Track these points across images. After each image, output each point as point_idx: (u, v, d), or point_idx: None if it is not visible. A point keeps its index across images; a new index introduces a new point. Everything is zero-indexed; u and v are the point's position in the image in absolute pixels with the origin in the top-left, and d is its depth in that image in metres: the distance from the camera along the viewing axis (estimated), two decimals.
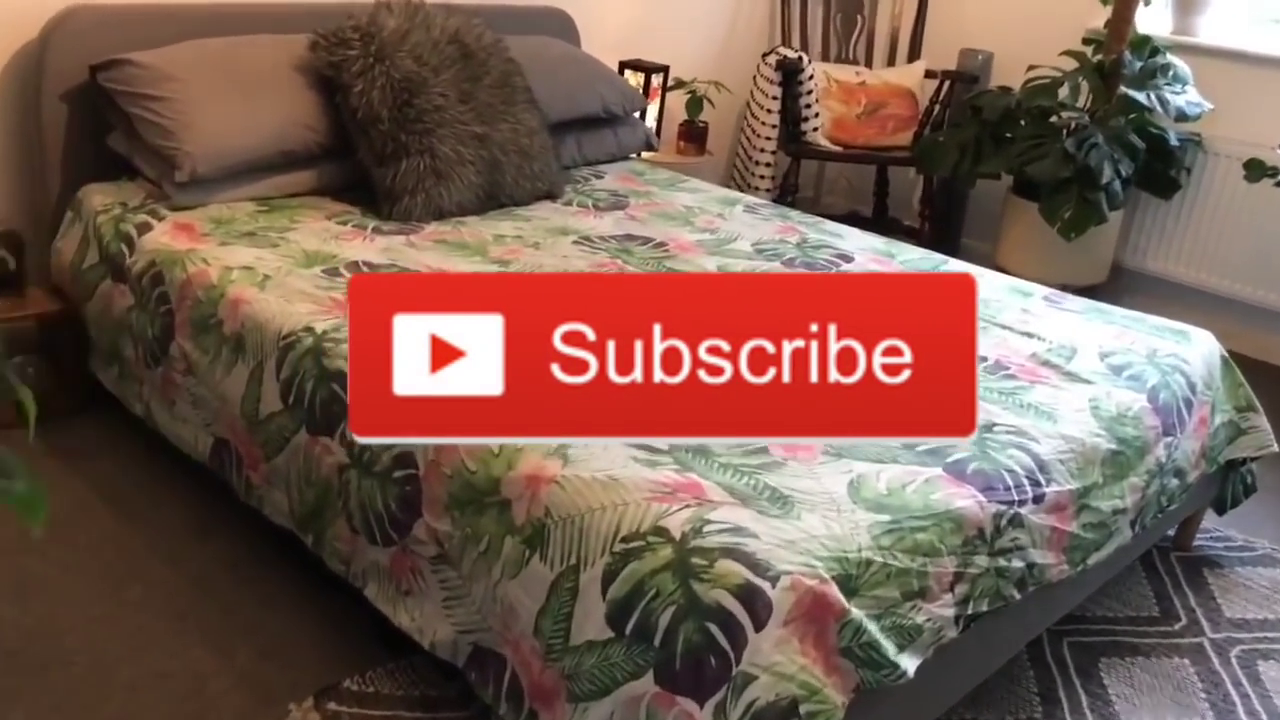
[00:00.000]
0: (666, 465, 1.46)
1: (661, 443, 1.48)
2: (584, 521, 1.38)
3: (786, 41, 3.82)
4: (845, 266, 2.38)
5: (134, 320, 2.12)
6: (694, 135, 3.64)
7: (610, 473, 1.42)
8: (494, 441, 1.47)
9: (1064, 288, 3.33)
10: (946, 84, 3.68)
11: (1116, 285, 3.56)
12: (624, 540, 1.34)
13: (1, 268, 2.27)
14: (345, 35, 2.38)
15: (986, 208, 3.74)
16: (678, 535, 1.32)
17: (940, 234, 3.82)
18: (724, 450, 1.50)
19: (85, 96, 2.36)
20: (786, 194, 3.72)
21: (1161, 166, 3.23)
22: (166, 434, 2.09)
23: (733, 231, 2.55)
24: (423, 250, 2.20)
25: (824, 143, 3.69)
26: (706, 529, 1.33)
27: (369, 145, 2.37)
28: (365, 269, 2.06)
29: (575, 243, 2.35)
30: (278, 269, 2.01)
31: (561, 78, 2.89)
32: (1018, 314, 2.16)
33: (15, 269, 2.29)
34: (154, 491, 2.13)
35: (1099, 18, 3.41)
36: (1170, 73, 3.21)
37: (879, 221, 3.98)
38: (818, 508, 1.40)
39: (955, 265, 2.53)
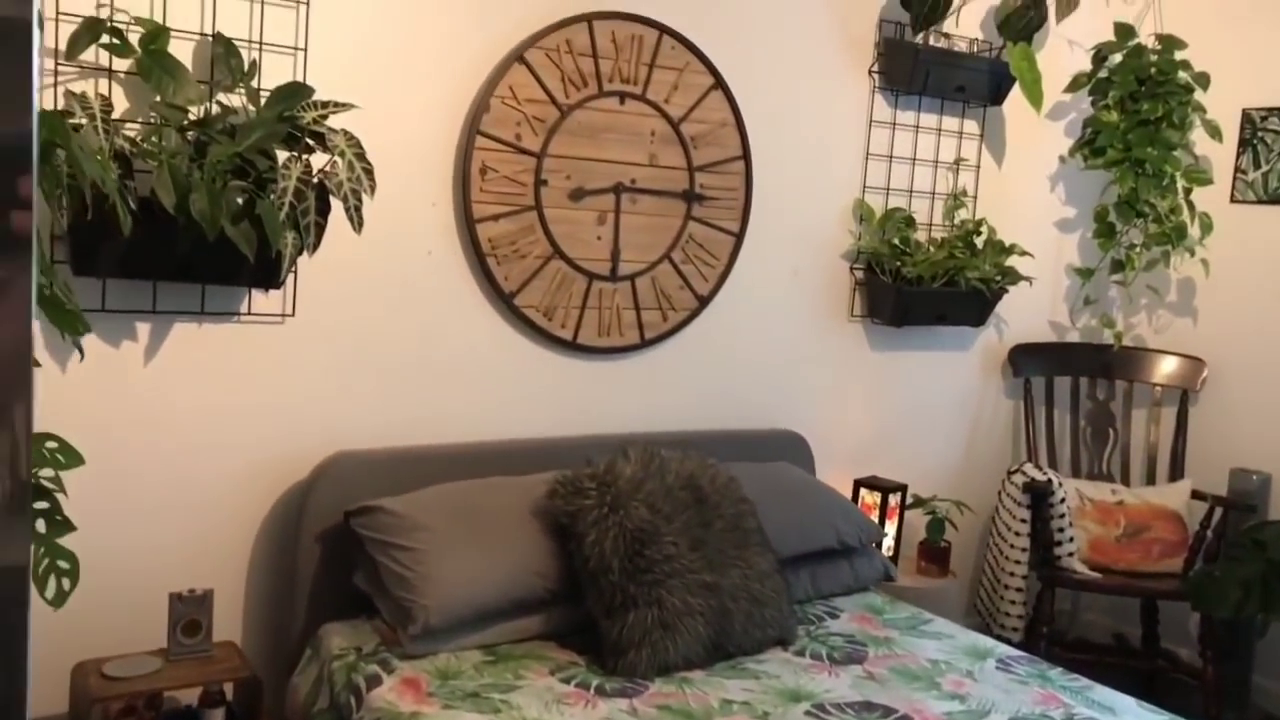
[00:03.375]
0: None
1: None
2: None
3: (1033, 456, 3.67)
4: None
5: None
6: (935, 556, 3.46)
7: None
8: None
9: None
10: (1219, 510, 3.37)
11: None
12: None
13: None
14: (582, 484, 2.43)
15: None
16: None
17: (1225, 674, 3.36)
18: None
19: (338, 537, 2.49)
20: (1040, 624, 3.41)
21: None
22: None
23: (985, 699, 2.30)
24: None
25: (1080, 567, 3.40)
26: None
27: (598, 595, 2.34)
28: None
29: (808, 713, 2.17)
30: None
31: (795, 510, 2.84)
32: None
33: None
34: None
35: None
36: None
37: (1150, 653, 3.56)
38: None
39: None
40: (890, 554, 3.37)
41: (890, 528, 3.38)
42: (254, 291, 2.45)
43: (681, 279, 3.07)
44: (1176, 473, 3.64)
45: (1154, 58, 3.51)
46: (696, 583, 2.38)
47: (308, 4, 2.40)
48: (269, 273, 2.25)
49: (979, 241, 3.47)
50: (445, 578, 2.29)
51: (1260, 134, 3.58)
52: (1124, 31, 3.55)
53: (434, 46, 2.63)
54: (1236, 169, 3.65)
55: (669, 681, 2.28)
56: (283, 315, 2.50)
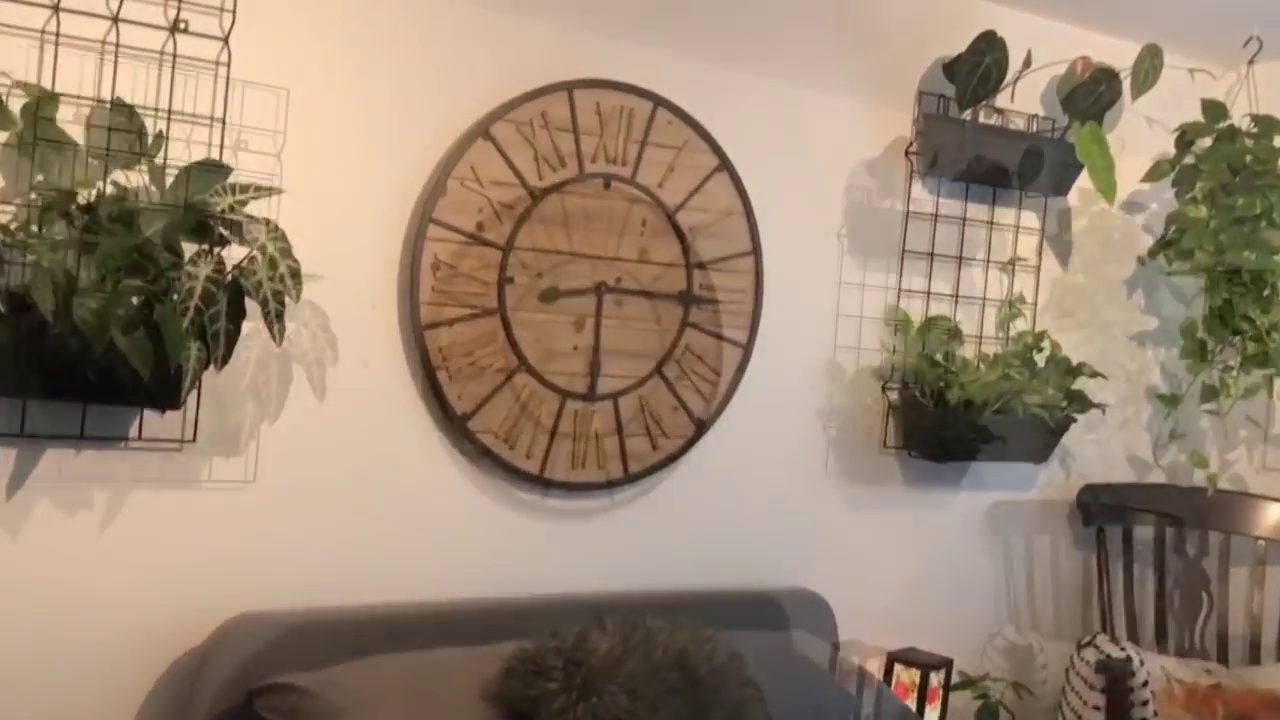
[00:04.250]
0: None
1: None
2: None
3: (1108, 626, 3.65)
4: None
5: None
6: None
7: None
8: None
9: None
10: None
11: None
12: None
13: None
14: (546, 661, 2.40)
15: None
16: None
17: None
18: None
19: None
20: None
21: None
22: None
23: None
24: None
25: None
26: None
27: None
28: None
29: None
30: None
31: (811, 696, 2.81)
32: None
33: None
34: None
35: None
36: None
37: None
38: None
39: None
40: None
41: (932, 715, 3.34)
42: (146, 412, 2.44)
43: (675, 398, 3.07)
44: None
45: (1250, 143, 3.59)
46: None
47: (227, 64, 2.45)
48: (167, 390, 2.25)
49: (1040, 359, 3.50)
50: None
51: None
52: (1214, 111, 3.64)
53: (382, 117, 2.68)
54: None
55: None
56: (180, 441, 2.49)
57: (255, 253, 2.28)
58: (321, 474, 2.66)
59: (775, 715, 2.57)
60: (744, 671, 2.59)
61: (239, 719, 2.44)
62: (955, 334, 3.46)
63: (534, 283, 2.87)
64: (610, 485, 3.02)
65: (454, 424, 2.80)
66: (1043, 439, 3.52)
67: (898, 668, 3.38)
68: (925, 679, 3.34)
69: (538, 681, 2.38)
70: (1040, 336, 3.54)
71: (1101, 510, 3.76)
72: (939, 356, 3.41)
